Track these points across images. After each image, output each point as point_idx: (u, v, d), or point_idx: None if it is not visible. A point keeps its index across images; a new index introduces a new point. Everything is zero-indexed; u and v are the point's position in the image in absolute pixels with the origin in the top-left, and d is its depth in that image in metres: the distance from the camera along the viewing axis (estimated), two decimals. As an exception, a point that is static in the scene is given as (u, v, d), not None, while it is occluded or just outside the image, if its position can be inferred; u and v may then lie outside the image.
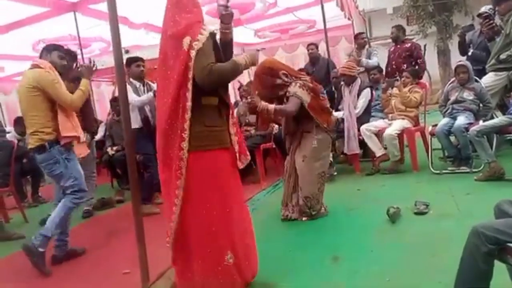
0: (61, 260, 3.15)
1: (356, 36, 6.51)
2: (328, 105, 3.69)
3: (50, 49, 3.26)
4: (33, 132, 3.05)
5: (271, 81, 3.41)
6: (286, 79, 3.41)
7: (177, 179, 2.13)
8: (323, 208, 3.56)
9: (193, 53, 2.06)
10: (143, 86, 4.47)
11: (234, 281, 2.22)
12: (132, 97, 4.20)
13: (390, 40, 6.44)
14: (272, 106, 3.28)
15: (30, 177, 5.83)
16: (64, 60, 3.29)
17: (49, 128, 3.04)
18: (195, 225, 2.18)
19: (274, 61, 3.69)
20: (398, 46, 5.92)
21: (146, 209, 4.39)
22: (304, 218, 3.49)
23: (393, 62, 5.89)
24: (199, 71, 2.06)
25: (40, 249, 2.91)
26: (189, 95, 2.08)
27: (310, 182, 3.45)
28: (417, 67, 5.62)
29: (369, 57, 6.15)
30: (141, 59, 4.50)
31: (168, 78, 2.14)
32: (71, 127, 3.15)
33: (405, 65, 5.64)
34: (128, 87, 4.33)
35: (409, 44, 5.89)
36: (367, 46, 6.40)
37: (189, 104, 2.09)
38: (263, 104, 3.23)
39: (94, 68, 3.40)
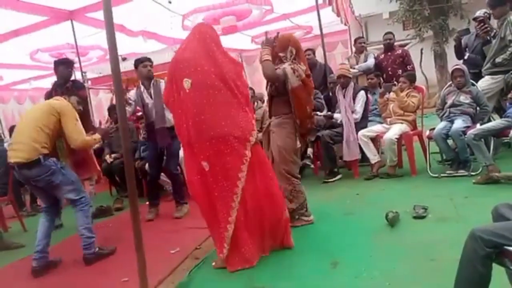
0: (42, 272, 3.16)
1: (355, 41, 6.66)
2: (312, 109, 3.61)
3: (70, 94, 3.64)
4: (27, 144, 3.07)
5: (279, 50, 3.42)
6: (287, 56, 3.39)
7: (241, 164, 2.76)
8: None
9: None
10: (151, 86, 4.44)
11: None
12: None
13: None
14: (265, 56, 3.30)
15: (29, 186, 5.80)
16: (81, 105, 3.62)
17: (47, 145, 3.16)
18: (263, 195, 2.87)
19: (294, 37, 3.65)
20: (389, 53, 6.09)
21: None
22: None
23: (389, 69, 6.02)
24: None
25: (94, 250, 3.28)
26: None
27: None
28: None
29: (366, 60, 6.24)
30: (148, 59, 4.48)
31: (227, 82, 2.77)
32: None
33: (400, 71, 5.80)
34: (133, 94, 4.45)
35: (400, 51, 6.13)
36: (365, 51, 6.47)
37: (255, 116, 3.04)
38: (264, 52, 3.30)
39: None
